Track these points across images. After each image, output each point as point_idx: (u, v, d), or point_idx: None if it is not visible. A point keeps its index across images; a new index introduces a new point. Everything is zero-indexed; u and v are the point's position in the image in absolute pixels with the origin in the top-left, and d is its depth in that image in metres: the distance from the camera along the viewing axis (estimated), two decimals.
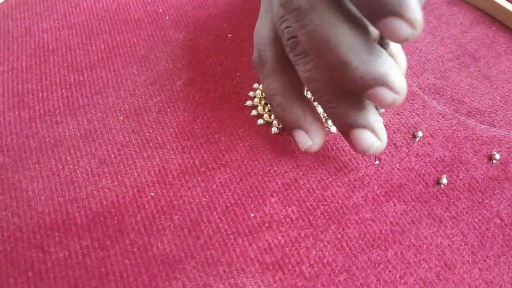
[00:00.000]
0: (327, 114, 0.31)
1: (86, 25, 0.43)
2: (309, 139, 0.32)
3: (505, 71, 0.41)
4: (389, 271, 0.29)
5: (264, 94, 0.34)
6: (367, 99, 0.28)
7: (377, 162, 0.34)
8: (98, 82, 0.38)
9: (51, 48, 0.42)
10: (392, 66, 0.26)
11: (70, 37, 0.42)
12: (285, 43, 0.30)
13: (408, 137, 0.35)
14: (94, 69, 0.39)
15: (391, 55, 0.28)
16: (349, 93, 0.29)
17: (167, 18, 0.44)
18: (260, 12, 0.34)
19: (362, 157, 0.34)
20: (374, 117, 0.29)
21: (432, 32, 0.44)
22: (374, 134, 0.29)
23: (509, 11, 0.45)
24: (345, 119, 0.29)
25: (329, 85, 0.29)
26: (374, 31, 0.28)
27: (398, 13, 0.23)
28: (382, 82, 0.26)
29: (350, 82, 0.26)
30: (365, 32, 0.26)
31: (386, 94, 0.26)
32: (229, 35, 0.43)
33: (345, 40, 0.25)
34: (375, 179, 0.33)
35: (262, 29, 0.33)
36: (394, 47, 0.30)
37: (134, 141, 0.34)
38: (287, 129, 0.33)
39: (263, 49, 0.33)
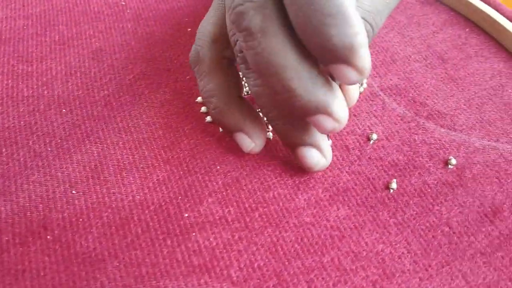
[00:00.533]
0: (273, 129, 0.31)
1: (43, 15, 0.42)
2: (251, 141, 0.31)
3: (473, 73, 0.39)
4: (322, 278, 0.27)
5: (200, 95, 0.33)
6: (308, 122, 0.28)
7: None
8: (46, 74, 0.37)
9: (3, 38, 0.40)
10: (336, 96, 0.26)
11: (25, 27, 0.41)
12: (237, 54, 0.28)
13: (362, 140, 0.34)
14: (44, 60, 0.38)
15: (341, 86, 0.28)
16: (290, 115, 0.29)
17: (128, 11, 0.43)
18: (211, 7, 0.33)
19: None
20: (321, 137, 0.30)
21: (401, 32, 0.43)
22: (320, 152, 0.30)
23: (483, 12, 0.43)
24: (291, 137, 0.30)
25: (276, 104, 0.28)
26: None
27: (347, 61, 0.24)
28: (324, 111, 0.26)
29: (293, 107, 0.26)
30: (313, 60, 0.26)
31: (326, 122, 0.26)
32: (188, 29, 0.42)
33: (292, 67, 0.25)
34: (321, 182, 0.31)
35: (207, 25, 0.32)
36: None
37: (74, 135, 0.33)
38: (227, 132, 0.32)
39: (200, 45, 0.31)
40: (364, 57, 0.23)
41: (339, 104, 0.26)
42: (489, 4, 0.43)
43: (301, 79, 0.25)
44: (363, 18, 0.28)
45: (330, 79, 0.27)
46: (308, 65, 0.25)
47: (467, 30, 0.43)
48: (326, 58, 0.24)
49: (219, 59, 0.31)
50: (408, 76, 0.39)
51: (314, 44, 0.24)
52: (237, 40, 0.27)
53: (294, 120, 0.29)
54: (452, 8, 0.45)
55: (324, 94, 0.26)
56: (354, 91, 0.30)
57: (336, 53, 0.23)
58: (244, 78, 0.31)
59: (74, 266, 0.27)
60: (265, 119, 0.33)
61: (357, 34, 0.23)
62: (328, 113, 0.26)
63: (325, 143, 0.30)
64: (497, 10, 0.43)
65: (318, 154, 0.30)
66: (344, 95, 0.28)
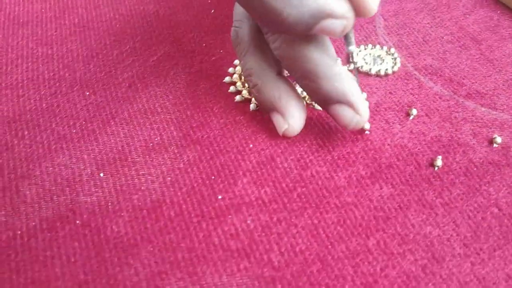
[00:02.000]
0: (303, 90, 0.30)
1: None
2: (285, 122, 0.30)
3: (509, 55, 0.37)
4: (369, 263, 0.25)
5: (242, 73, 0.32)
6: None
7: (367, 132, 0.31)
8: (67, 56, 0.36)
9: (21, 21, 0.39)
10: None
11: (43, 10, 0.40)
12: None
13: (402, 115, 0.32)
14: (64, 43, 0.37)
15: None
16: (318, 66, 0.28)
17: None
18: None
19: (349, 131, 0.31)
20: (352, 91, 0.28)
21: (431, 13, 0.41)
22: (352, 109, 0.28)
23: None
24: (321, 95, 0.28)
25: (298, 59, 0.28)
26: None
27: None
28: (322, 15, 0.24)
29: (291, 29, 0.25)
30: None
31: (331, 24, 0.25)
32: (212, 11, 0.40)
33: None
34: (361, 157, 0.30)
35: (238, 7, 0.32)
36: None
37: (98, 116, 0.32)
38: (265, 112, 0.31)
39: (238, 26, 0.31)
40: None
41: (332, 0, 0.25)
42: None
43: None
44: None
45: None
46: None
47: (498, 12, 0.42)
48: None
49: (257, 38, 0.30)
50: (442, 57, 0.37)
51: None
52: None
53: (320, 77, 0.28)
54: None
55: (313, 0, 0.24)
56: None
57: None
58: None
59: (106, 252, 0.26)
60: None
61: None
62: (328, 14, 0.24)
63: (358, 98, 0.28)
64: None
65: (351, 112, 0.28)
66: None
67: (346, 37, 0.28)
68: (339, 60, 0.29)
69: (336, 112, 0.29)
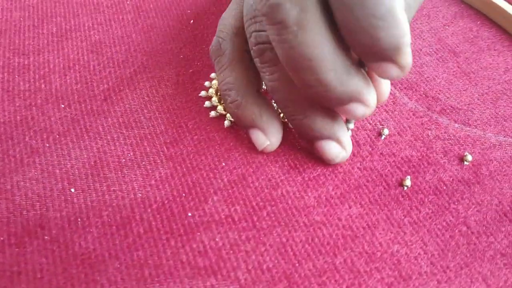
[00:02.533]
0: (290, 124, 0.30)
1: (40, 7, 0.41)
2: (266, 139, 0.30)
3: (486, 68, 0.37)
4: (335, 281, 0.25)
5: (218, 88, 0.32)
6: (337, 112, 0.28)
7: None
8: (43, 67, 0.36)
9: None
10: (368, 83, 0.26)
11: (21, 19, 0.40)
12: (252, 47, 0.28)
13: (373, 135, 0.32)
14: (41, 53, 0.37)
15: (371, 76, 0.27)
16: (315, 106, 0.28)
17: (128, 2, 0.42)
18: (232, 0, 0.32)
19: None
20: (340, 130, 0.29)
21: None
22: (339, 144, 0.29)
23: (495, 4, 0.41)
24: (310, 131, 0.29)
25: (295, 97, 0.28)
26: None
27: (392, 60, 0.24)
28: (357, 99, 0.26)
29: (325, 99, 0.26)
30: (347, 51, 0.25)
31: (358, 109, 0.26)
32: (191, 21, 0.40)
33: (329, 61, 0.24)
34: (331, 179, 0.30)
35: (228, 17, 0.31)
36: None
37: (72, 130, 0.32)
38: (242, 127, 0.31)
39: (223, 38, 0.31)
40: (408, 56, 0.24)
41: (371, 90, 0.26)
42: None
43: (337, 71, 0.25)
44: None
45: (360, 68, 0.26)
46: (343, 57, 0.25)
47: (478, 23, 0.42)
48: (371, 57, 0.24)
49: (240, 52, 0.30)
50: (419, 70, 0.37)
51: (360, 44, 0.24)
52: (254, 31, 0.27)
53: (314, 114, 0.28)
54: (462, 1, 0.44)
55: (357, 83, 0.25)
56: (387, 85, 0.29)
57: (383, 53, 0.23)
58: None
59: (73, 268, 0.26)
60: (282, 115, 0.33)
61: (405, 35, 0.23)
62: (361, 101, 0.26)
63: (345, 135, 0.29)
64: (509, 2, 0.41)
65: (338, 147, 0.29)
66: (377, 89, 0.28)
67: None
68: None
69: (323, 148, 0.29)
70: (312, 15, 0.24)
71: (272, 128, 0.30)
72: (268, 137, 0.30)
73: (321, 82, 0.25)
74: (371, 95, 0.26)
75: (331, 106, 0.27)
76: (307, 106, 0.28)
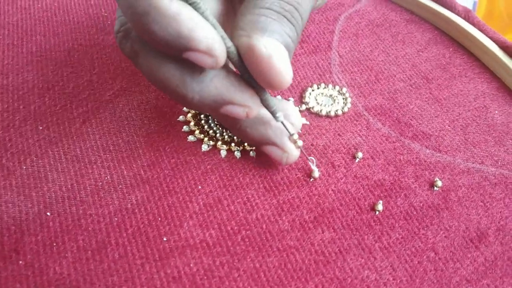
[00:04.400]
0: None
1: (21, 25, 0.41)
2: (284, 151, 0.31)
3: (457, 94, 0.39)
4: None
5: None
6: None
7: (311, 179, 0.32)
8: (22, 87, 0.36)
9: None
10: (227, 84, 0.26)
11: (1, 37, 0.40)
12: None
13: (348, 158, 0.33)
14: (20, 73, 0.37)
15: (265, 58, 0.25)
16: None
17: (109, 22, 0.42)
18: None
19: (295, 176, 0.32)
20: (276, 134, 0.30)
21: (386, 50, 0.42)
22: (278, 148, 0.30)
23: (467, 32, 0.43)
24: (250, 140, 0.31)
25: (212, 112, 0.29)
26: None
27: (189, 48, 0.23)
28: (224, 102, 0.26)
29: (199, 109, 0.27)
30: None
31: (234, 110, 0.27)
32: None
33: (173, 76, 0.25)
34: (305, 202, 0.30)
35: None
36: (270, 48, 0.25)
37: (50, 152, 0.32)
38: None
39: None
40: (200, 39, 0.23)
41: (231, 89, 0.26)
42: (473, 24, 0.43)
43: (186, 83, 0.25)
44: (278, 11, 0.26)
45: (220, 70, 0.26)
46: (189, 67, 0.25)
47: (451, 49, 0.43)
48: (173, 52, 0.24)
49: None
50: (393, 96, 0.38)
51: (156, 44, 0.24)
52: None
53: (242, 125, 0.30)
54: (436, 27, 0.45)
55: (215, 87, 0.26)
56: (282, 63, 0.25)
57: (173, 45, 0.23)
58: None
59: None
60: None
61: (179, 21, 0.23)
62: (229, 102, 0.26)
63: (281, 139, 0.30)
64: (481, 30, 0.43)
65: (279, 151, 0.30)
66: (274, 73, 0.25)
67: (267, 109, 0.28)
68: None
69: (268, 152, 0.31)
70: (142, 48, 0.26)
71: (284, 139, 0.31)
72: (286, 149, 0.31)
73: (179, 95, 0.26)
74: (239, 92, 0.26)
75: (209, 113, 0.29)
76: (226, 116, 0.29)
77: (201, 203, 0.30)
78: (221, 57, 0.24)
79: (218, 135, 0.33)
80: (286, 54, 0.25)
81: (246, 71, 0.26)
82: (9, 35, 0.40)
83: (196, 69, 0.25)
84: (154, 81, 0.26)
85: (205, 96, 0.26)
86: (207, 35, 0.23)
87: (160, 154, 0.32)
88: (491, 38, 0.42)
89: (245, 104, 0.26)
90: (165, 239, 0.28)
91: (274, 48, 0.25)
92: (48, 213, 0.29)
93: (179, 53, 0.24)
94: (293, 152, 0.30)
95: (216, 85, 0.26)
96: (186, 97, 0.26)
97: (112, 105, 0.35)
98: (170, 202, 0.30)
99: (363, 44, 0.43)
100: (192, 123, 0.34)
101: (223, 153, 0.32)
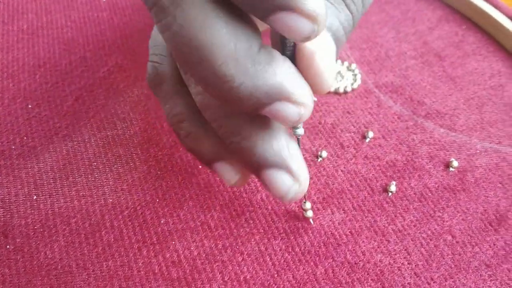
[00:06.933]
0: (231, 149, 0.22)
1: (12, 2, 0.39)
2: (235, 173, 0.24)
3: (471, 72, 0.37)
4: None
5: (168, 121, 0.25)
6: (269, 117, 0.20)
7: (319, 159, 0.29)
8: (12, 65, 0.34)
9: None
10: (290, 71, 0.19)
11: None
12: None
13: (358, 138, 0.31)
14: (10, 50, 0.35)
15: (307, 54, 0.20)
16: (255, 124, 0.21)
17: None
18: None
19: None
20: (291, 151, 0.22)
21: (396, 27, 0.40)
22: (290, 174, 0.22)
23: (480, 9, 0.41)
24: (252, 157, 0.22)
25: (227, 113, 0.22)
26: None
27: (288, 6, 0.17)
28: (280, 96, 0.19)
29: (235, 103, 0.19)
30: (251, 27, 0.19)
31: (287, 110, 0.19)
32: None
33: (224, 46, 0.18)
34: (313, 183, 0.28)
35: (158, 35, 0.25)
36: (314, 43, 0.21)
37: (41, 131, 0.30)
38: (205, 164, 0.25)
39: (159, 61, 0.24)
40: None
41: (297, 81, 0.19)
42: (486, 0, 0.41)
43: (238, 60, 0.18)
44: None
45: (276, 52, 0.19)
46: (246, 37, 0.18)
47: (463, 27, 0.41)
48: (260, 10, 0.17)
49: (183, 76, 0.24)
50: (404, 73, 0.36)
51: None
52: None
53: (252, 133, 0.22)
54: (447, 4, 0.43)
55: (274, 72, 0.19)
56: (325, 65, 0.21)
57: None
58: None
59: (38, 279, 0.24)
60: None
61: None
62: (287, 98, 0.19)
63: (296, 160, 0.22)
64: (495, 7, 0.41)
65: (288, 178, 0.22)
66: (315, 74, 0.21)
67: None
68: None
69: (271, 179, 0.22)
70: None
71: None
72: (238, 169, 0.24)
73: (220, 78, 0.18)
74: (299, 85, 0.19)
75: (248, 111, 0.20)
76: (244, 124, 0.21)
77: (202, 183, 0.28)
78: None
79: None
80: (333, 52, 0.21)
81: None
82: None
83: (255, 44, 0.18)
84: (185, 47, 0.18)
85: (259, 85, 0.18)
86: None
87: (158, 132, 0.30)
88: (506, 14, 0.40)
89: (303, 103, 0.19)
90: (163, 221, 0.26)
91: (319, 43, 0.20)
92: (35, 197, 0.27)
93: None
94: (304, 184, 0.22)
95: (276, 71, 0.19)
96: (229, 82, 0.18)
97: (106, 81, 0.33)
98: (168, 182, 0.28)
99: (372, 21, 0.41)
100: None
101: None
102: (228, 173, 0.24)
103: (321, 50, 0.20)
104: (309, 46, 0.20)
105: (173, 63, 0.24)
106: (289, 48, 0.20)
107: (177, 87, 0.24)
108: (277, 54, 0.19)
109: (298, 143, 0.24)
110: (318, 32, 0.17)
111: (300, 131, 0.23)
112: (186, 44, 0.18)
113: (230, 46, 0.18)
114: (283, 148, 0.22)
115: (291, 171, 0.22)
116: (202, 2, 0.17)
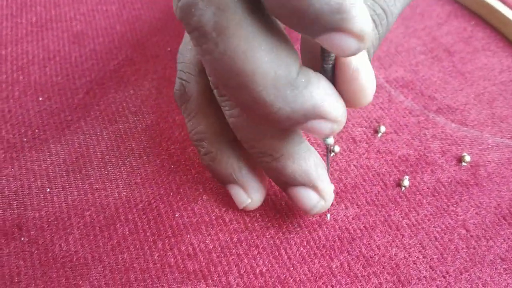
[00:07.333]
0: (261, 167, 0.25)
1: None
2: (247, 197, 0.26)
3: (481, 68, 0.37)
4: (332, 286, 0.24)
5: (190, 137, 0.27)
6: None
7: (331, 154, 0.29)
8: (22, 58, 0.34)
9: None
10: (327, 93, 0.20)
11: None
12: (208, 77, 0.24)
13: (370, 132, 0.31)
14: (20, 43, 0.35)
15: (346, 69, 0.21)
16: (285, 146, 0.23)
17: None
18: None
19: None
20: (318, 172, 0.24)
21: (404, 23, 0.40)
22: (317, 193, 0.24)
23: (489, 5, 0.41)
24: (281, 176, 0.24)
25: (260, 136, 0.23)
26: None
27: (339, 27, 0.17)
28: (315, 115, 0.20)
29: (274, 123, 0.20)
30: (290, 52, 0.19)
31: (321, 127, 0.20)
32: None
33: (264, 74, 0.18)
34: None
35: (186, 53, 0.26)
36: (357, 59, 0.21)
37: (52, 124, 0.30)
38: (220, 182, 0.27)
39: (187, 80, 0.25)
40: (360, 17, 0.17)
41: (332, 101, 0.20)
42: None
43: (278, 87, 0.19)
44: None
45: (316, 73, 0.20)
46: (285, 61, 0.19)
47: (472, 23, 0.41)
48: (312, 30, 0.18)
49: (210, 95, 0.25)
50: (414, 69, 0.36)
51: (293, 17, 0.17)
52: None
53: (284, 154, 0.23)
54: (456, 0, 0.43)
55: (310, 96, 0.19)
56: (368, 75, 0.21)
57: (322, 20, 0.17)
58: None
59: (53, 272, 0.24)
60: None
61: None
62: (322, 116, 0.20)
63: (323, 180, 0.24)
64: (503, 3, 0.41)
65: (315, 195, 0.24)
66: (357, 90, 0.21)
67: None
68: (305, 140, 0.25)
69: (299, 195, 0.24)
70: (234, 12, 0.18)
71: (253, 183, 0.26)
72: (249, 194, 0.26)
73: (259, 103, 0.19)
74: (334, 106, 0.20)
75: (285, 128, 0.22)
76: (275, 146, 0.23)
77: None
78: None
79: None
80: (372, 69, 0.21)
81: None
82: (8, 5, 0.38)
83: (294, 69, 0.19)
84: (227, 73, 0.19)
85: (297, 109, 0.19)
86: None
87: (170, 126, 0.30)
88: None
89: (336, 119, 0.20)
90: (177, 214, 0.26)
91: (361, 61, 0.21)
92: (48, 189, 0.27)
93: None
94: (330, 201, 0.25)
95: (312, 93, 0.19)
96: (271, 107, 0.19)
97: (117, 75, 0.33)
98: (182, 176, 0.28)
99: None
100: None
101: None
102: (240, 197, 0.26)
103: (364, 68, 0.21)
104: (354, 62, 0.20)
105: (201, 83, 0.25)
106: (330, 61, 0.21)
107: (202, 107, 0.25)
108: (313, 76, 0.20)
109: (328, 151, 0.25)
110: (364, 48, 0.18)
111: (330, 140, 0.24)
112: (227, 70, 0.18)
113: (271, 75, 0.18)
114: (311, 169, 0.23)
115: (318, 190, 0.24)
116: (246, 30, 0.18)
